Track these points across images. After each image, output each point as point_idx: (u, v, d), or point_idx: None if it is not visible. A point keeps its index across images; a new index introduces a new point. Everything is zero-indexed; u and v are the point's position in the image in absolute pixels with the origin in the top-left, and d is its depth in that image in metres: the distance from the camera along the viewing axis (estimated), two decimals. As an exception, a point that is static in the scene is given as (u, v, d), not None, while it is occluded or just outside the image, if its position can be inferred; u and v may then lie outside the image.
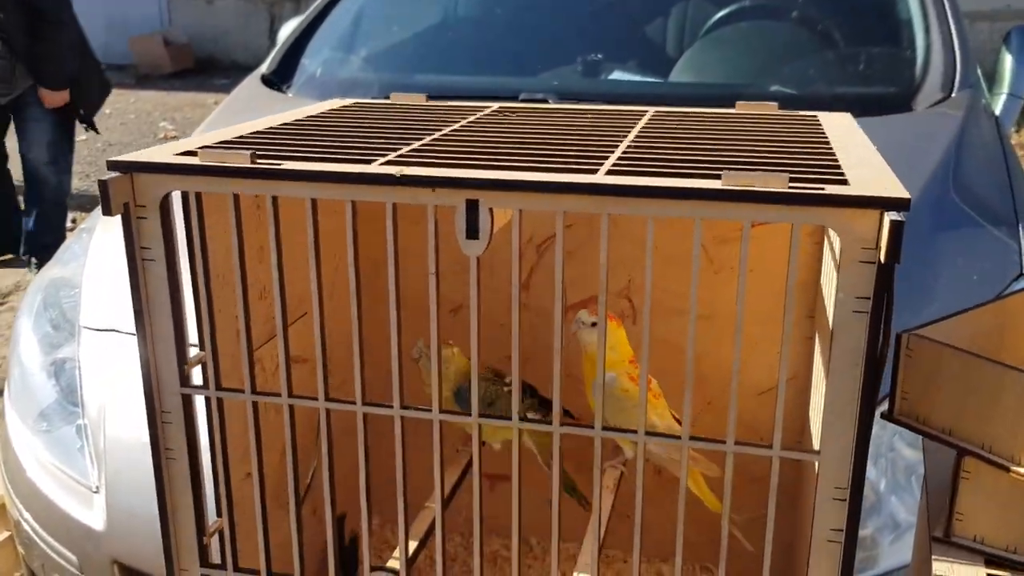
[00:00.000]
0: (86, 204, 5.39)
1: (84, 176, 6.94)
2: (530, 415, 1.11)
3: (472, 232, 0.79)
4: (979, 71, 2.96)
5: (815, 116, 1.09)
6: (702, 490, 1.14)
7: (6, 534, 2.48)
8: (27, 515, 2.15)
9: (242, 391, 0.89)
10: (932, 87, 2.71)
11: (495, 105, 1.19)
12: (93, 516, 1.99)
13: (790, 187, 0.72)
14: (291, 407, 0.89)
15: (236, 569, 0.95)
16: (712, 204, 0.73)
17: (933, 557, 0.86)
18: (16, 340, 2.44)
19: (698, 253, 0.74)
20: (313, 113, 1.12)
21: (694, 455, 1.13)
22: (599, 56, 2.86)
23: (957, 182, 2.38)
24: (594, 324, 1.11)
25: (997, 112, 2.99)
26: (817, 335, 1.18)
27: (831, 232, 1.04)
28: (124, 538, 1.95)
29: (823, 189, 0.72)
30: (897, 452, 1.94)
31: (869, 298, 0.72)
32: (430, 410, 0.85)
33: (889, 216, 0.68)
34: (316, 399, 0.87)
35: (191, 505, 0.93)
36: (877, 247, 0.71)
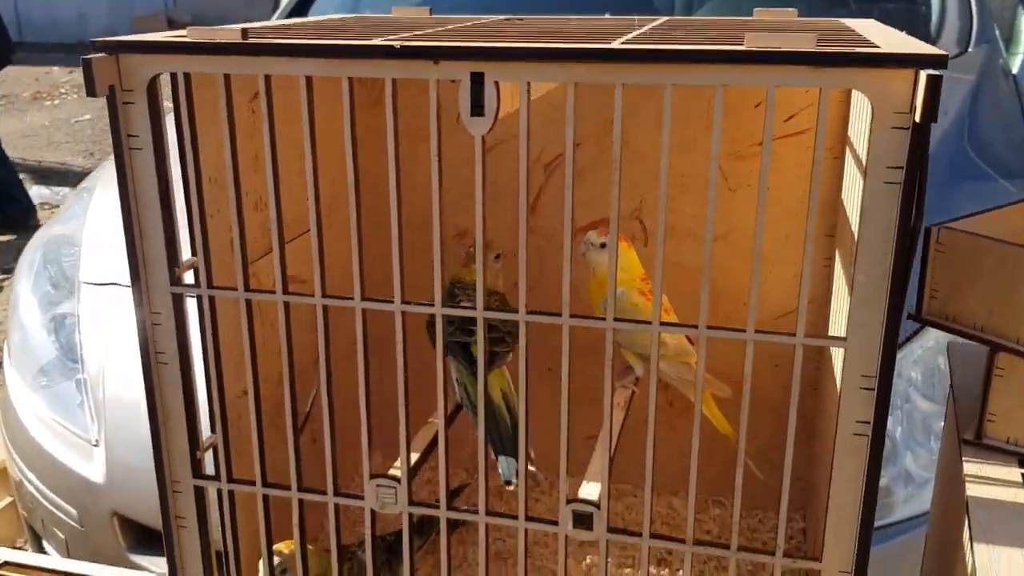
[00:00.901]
0: (89, 179, 5.36)
1: (88, 155, 6.91)
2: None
3: (477, 108, 0.74)
4: (997, 31, 2.91)
5: (837, 19, 1.04)
6: (713, 412, 1.09)
7: (8, 500, 2.45)
8: (29, 474, 2.12)
9: (235, 289, 0.85)
10: (947, 42, 2.65)
11: (502, 17, 1.14)
12: (93, 469, 1.96)
13: (818, 48, 0.67)
14: (287, 307, 0.84)
15: (230, 480, 0.90)
16: (734, 68, 0.68)
17: (963, 459, 0.82)
18: (16, 301, 2.40)
19: (719, 120, 0.70)
20: (308, 20, 1.07)
21: (705, 376, 1.08)
22: (606, 16, 2.81)
23: (973, 136, 2.33)
24: (603, 245, 1.07)
25: (1015, 71, 2.94)
26: (838, 254, 1.13)
27: (858, 108, 0.99)
28: (123, 490, 1.92)
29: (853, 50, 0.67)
30: (913, 404, 1.90)
31: (902, 168, 0.68)
32: (432, 304, 0.81)
33: (925, 72, 0.64)
34: (312, 296, 0.83)
35: (183, 413, 0.89)
36: (911, 110, 0.66)
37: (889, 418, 2.00)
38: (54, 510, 2.04)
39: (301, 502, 0.90)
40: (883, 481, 1.82)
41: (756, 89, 1.13)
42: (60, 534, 2.02)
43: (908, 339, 1.86)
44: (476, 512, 0.86)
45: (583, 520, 0.83)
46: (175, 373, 0.88)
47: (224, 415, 0.91)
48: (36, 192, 5.69)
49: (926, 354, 1.88)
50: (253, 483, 0.90)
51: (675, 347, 1.06)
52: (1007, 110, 2.60)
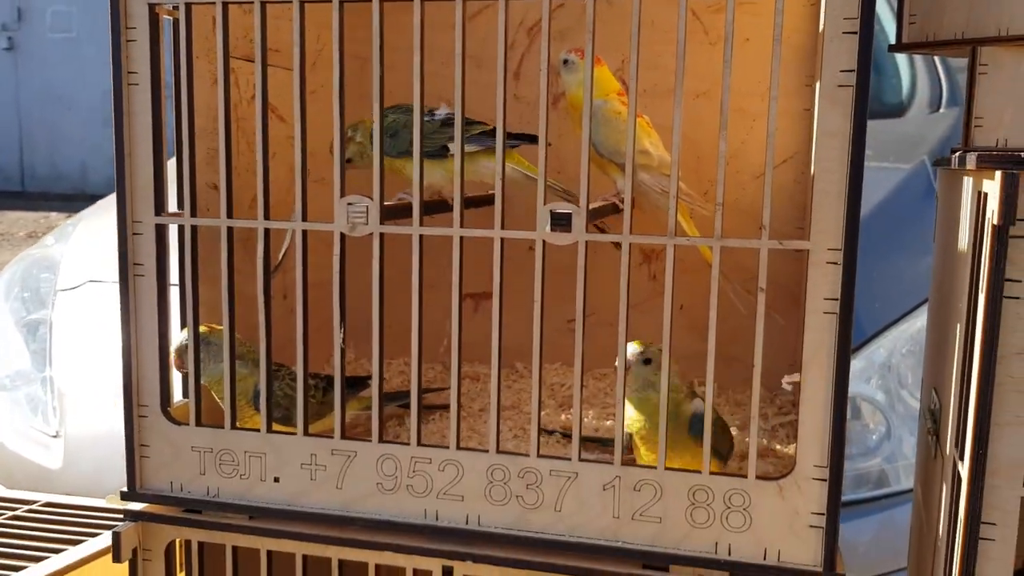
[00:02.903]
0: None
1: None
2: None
3: None
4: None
5: None
6: (692, 229, 1.06)
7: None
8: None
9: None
10: (920, 106, 2.77)
11: None
12: (50, 457, 1.89)
13: None
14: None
15: (193, 214, 0.86)
16: None
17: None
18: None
19: None
20: None
21: (685, 190, 1.06)
22: None
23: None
24: (566, 62, 1.05)
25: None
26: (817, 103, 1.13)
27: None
28: (79, 474, 1.85)
29: None
30: (905, 403, 1.88)
31: None
32: (411, -4, 0.80)
33: None
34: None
35: (150, 144, 0.86)
36: None
37: (879, 394, 1.94)
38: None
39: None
40: (875, 461, 1.77)
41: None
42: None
43: (895, 322, 1.86)
44: (451, 228, 0.82)
45: (561, 221, 0.79)
46: (145, 95, 0.86)
47: (193, 161, 0.88)
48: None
49: (915, 347, 1.87)
50: (218, 218, 0.86)
51: (659, 159, 1.05)
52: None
